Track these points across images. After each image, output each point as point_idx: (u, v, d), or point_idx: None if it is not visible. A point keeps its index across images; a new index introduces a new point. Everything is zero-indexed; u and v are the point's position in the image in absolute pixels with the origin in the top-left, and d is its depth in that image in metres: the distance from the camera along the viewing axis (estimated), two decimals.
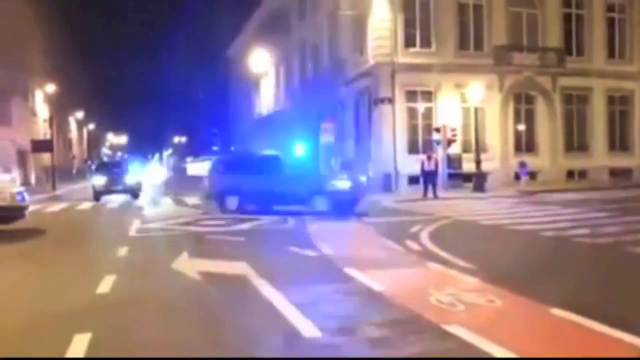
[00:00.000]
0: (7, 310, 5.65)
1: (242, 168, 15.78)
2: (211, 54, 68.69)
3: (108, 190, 21.64)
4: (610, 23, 26.26)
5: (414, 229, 10.84)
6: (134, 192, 22.02)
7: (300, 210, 14.05)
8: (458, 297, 5.48)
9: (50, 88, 36.52)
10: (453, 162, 22.06)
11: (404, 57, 23.36)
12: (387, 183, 22.64)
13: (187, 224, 12.89)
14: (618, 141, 26.63)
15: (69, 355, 4.10)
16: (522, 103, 25.51)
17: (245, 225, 12.28)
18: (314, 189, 14.38)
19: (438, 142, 21.65)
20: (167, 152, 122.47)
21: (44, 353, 4.25)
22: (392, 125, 23.31)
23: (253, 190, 14.81)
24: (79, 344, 4.32)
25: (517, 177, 22.60)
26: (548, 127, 25.39)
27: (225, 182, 15.33)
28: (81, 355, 4.10)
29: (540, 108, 25.54)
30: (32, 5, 36.87)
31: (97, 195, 21.40)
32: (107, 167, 24.47)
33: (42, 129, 41.78)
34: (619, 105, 26.65)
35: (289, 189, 14.39)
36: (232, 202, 14.94)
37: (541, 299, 5.29)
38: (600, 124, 26.14)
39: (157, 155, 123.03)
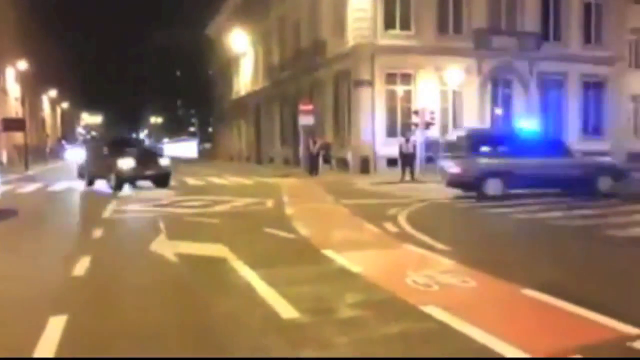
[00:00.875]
0: None
1: (508, 147, 13.79)
2: (190, 33, 67.45)
3: (139, 175, 16.99)
4: (587, 8, 26.56)
5: (392, 211, 10.94)
6: (166, 179, 17.40)
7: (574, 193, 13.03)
8: (434, 278, 5.57)
9: (22, 65, 35.43)
10: (431, 145, 22.21)
11: (383, 39, 23.30)
12: (366, 165, 22.76)
13: (164, 205, 12.78)
14: (591, 126, 27.15)
15: (44, 337, 4.06)
16: (499, 87, 25.75)
17: (222, 207, 12.23)
18: (600, 169, 13.75)
19: (415, 125, 21.72)
20: (143, 133, 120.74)
21: (19, 335, 4.20)
22: (371, 108, 23.34)
23: (524, 173, 13.06)
24: (55, 325, 4.28)
25: None
26: (524, 111, 25.71)
27: (486, 163, 13.36)
28: (57, 336, 4.06)
29: (517, 92, 25.81)
30: None
31: (122, 182, 16.63)
32: (125, 146, 18.83)
33: (13, 108, 40.72)
34: (593, 91, 27.11)
35: (570, 170, 13.35)
36: (495, 186, 13.15)
37: (514, 280, 5.42)
38: (574, 109, 26.58)
39: (132, 136, 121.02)
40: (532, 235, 8.76)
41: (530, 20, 25.35)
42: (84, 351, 3.90)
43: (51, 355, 3.76)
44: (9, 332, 4.30)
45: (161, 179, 17.21)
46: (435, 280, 5.48)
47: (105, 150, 18.31)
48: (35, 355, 3.75)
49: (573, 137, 26.26)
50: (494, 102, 25.59)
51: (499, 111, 25.63)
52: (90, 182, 18.60)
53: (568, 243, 7.99)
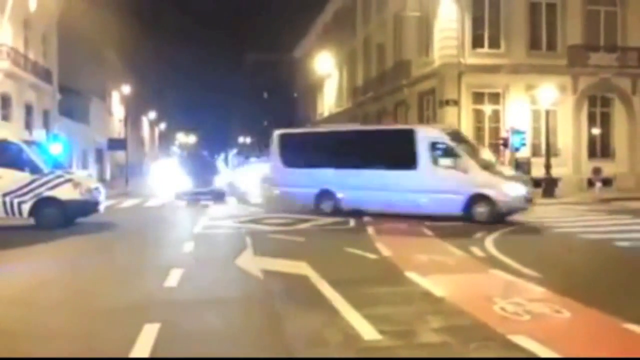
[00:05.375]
0: (84, 300, 6.03)
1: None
2: (277, 56, 69.96)
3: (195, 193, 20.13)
4: None
5: (478, 234, 10.56)
6: (222, 197, 20.38)
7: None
8: (524, 306, 5.30)
9: (126, 89, 38.42)
10: (521, 166, 21.29)
11: (471, 58, 22.81)
12: None
13: (251, 222, 13.19)
14: None
15: (139, 343, 4.31)
16: (597, 106, 24.26)
17: (304, 225, 12.41)
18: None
19: (504, 145, 20.95)
20: (232, 152, 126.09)
21: (117, 340, 4.49)
22: (458, 127, 22.81)
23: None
24: (149, 332, 4.54)
25: (591, 183, 21.48)
26: (626, 131, 23.98)
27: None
28: (151, 343, 4.30)
29: (618, 111, 24.15)
30: (111, 9, 38.96)
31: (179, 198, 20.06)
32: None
33: (117, 128, 44.17)
34: None
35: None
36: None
37: (612, 312, 5.02)
38: None
39: (222, 155, 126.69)
40: (634, 265, 8.06)
41: (632, 34, 23.70)
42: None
43: None
44: (109, 336, 4.61)
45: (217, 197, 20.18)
46: (525, 309, 5.21)
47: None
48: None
49: None
50: (592, 121, 24.13)
51: (596, 131, 24.09)
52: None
53: None
